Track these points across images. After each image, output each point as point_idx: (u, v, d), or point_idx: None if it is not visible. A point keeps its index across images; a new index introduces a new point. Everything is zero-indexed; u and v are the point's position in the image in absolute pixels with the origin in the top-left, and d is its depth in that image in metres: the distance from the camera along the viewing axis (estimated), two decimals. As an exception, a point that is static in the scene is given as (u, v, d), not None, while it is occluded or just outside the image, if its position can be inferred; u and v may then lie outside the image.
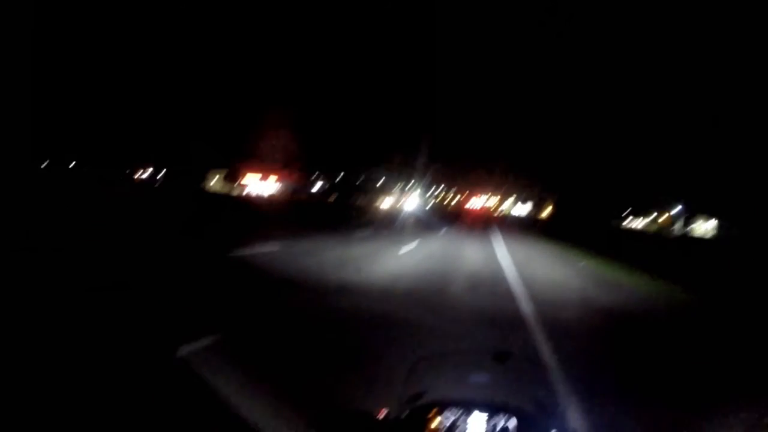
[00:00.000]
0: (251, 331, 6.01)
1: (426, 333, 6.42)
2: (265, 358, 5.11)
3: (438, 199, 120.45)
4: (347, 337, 6.11)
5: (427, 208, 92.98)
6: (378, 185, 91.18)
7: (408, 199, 73.94)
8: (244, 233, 17.35)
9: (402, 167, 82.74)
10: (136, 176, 75.94)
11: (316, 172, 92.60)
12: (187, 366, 4.45)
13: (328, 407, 2.11)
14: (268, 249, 13.39)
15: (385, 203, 79.28)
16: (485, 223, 52.32)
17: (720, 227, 69.07)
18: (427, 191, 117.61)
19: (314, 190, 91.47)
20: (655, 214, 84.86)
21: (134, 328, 5.56)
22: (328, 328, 6.46)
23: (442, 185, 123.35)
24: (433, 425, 1.65)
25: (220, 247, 12.71)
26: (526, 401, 1.86)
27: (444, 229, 32.28)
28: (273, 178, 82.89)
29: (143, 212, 23.22)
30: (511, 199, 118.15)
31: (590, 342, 6.92)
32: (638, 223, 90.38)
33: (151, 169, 77.18)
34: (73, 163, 57.40)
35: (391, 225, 31.40)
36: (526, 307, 8.74)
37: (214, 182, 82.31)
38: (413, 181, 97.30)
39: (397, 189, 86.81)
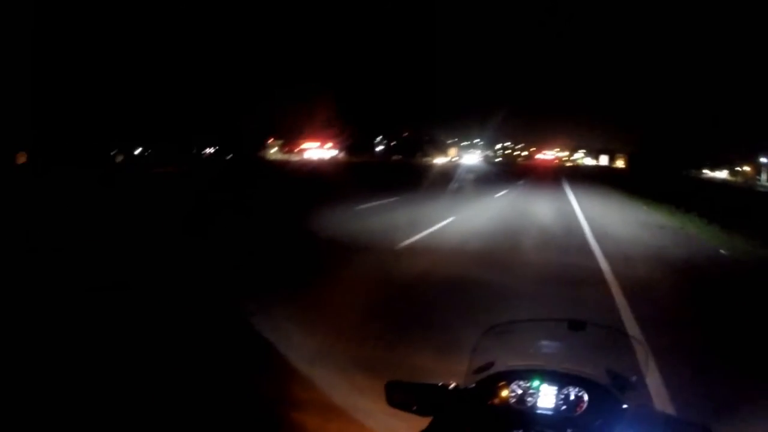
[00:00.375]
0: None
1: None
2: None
3: (510, 153, 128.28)
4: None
5: (499, 161, 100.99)
6: (440, 143, 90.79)
7: (468, 156, 72.22)
8: (351, 192, 20.34)
9: (465, 126, 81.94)
10: (204, 153, 77.14)
11: (377, 135, 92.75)
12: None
13: (398, 378, 1.71)
14: (389, 200, 18.37)
15: (447, 160, 77.86)
16: (558, 173, 55.41)
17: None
18: (495, 147, 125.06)
19: (377, 150, 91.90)
20: (739, 165, 79.59)
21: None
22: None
23: (511, 142, 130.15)
24: (502, 396, 1.64)
25: (350, 202, 16.60)
26: (600, 372, 1.73)
27: (521, 181, 36.31)
28: (330, 144, 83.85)
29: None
30: (581, 152, 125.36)
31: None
32: (719, 174, 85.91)
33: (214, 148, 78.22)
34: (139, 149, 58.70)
35: (464, 181, 32.77)
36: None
37: (273, 151, 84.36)
38: (478, 139, 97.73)
39: (461, 147, 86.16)
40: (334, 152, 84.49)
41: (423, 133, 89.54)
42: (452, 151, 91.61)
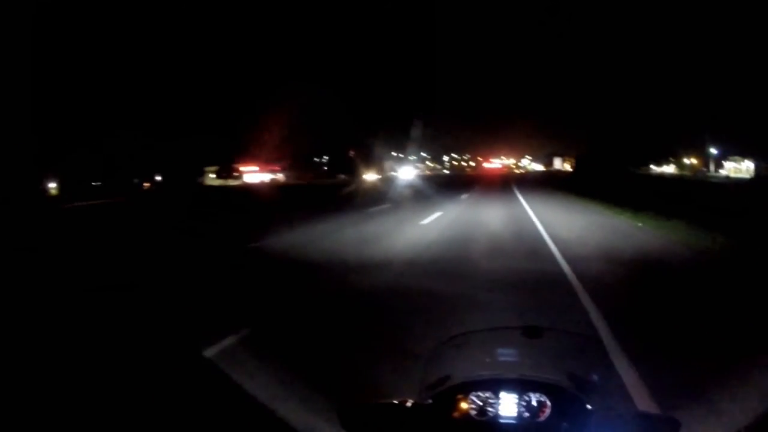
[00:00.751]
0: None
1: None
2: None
3: (457, 164, 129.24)
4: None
5: (448, 172, 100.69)
6: (381, 159, 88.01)
7: (404, 170, 67.11)
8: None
9: (406, 139, 79.26)
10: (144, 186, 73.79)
11: (318, 155, 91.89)
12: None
13: (355, 399, 1.68)
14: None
15: (377, 177, 73.62)
16: (506, 180, 55.42)
17: (757, 168, 62.68)
18: (443, 159, 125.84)
19: (317, 171, 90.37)
20: (686, 158, 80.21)
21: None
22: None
23: (455, 153, 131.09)
24: (462, 408, 1.61)
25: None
26: (561, 376, 1.70)
27: (465, 195, 30.23)
28: (271, 166, 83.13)
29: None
30: (528, 158, 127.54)
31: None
32: (666, 169, 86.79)
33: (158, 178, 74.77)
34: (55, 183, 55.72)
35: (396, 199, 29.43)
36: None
37: (210, 178, 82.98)
38: (418, 152, 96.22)
39: (398, 160, 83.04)
40: (274, 175, 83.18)
41: (363, 150, 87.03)
42: (387, 166, 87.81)
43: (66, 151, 44.95)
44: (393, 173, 73.42)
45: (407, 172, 61.46)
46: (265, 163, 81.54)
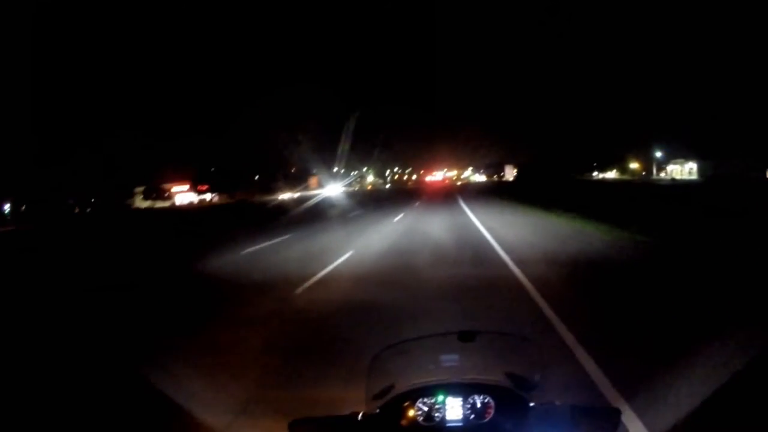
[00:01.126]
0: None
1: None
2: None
3: (397, 177, 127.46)
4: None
5: (388, 187, 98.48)
6: (316, 176, 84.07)
7: (331, 187, 61.43)
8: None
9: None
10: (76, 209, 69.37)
11: (250, 172, 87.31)
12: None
13: (305, 414, 1.63)
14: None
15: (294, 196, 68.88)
16: (450, 192, 53.72)
17: (701, 169, 62.70)
18: (386, 173, 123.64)
19: (248, 189, 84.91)
20: (628, 163, 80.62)
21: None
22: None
23: (398, 166, 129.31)
24: (409, 416, 1.64)
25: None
26: (501, 376, 1.76)
27: (398, 217, 23.31)
28: (201, 186, 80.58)
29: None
30: (470, 169, 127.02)
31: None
32: (608, 174, 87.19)
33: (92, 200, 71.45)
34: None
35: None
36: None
37: (139, 200, 78.38)
38: (359, 166, 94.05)
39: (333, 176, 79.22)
40: (205, 195, 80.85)
41: (289, 167, 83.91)
42: (313, 182, 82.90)
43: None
44: (320, 191, 67.02)
45: (333, 189, 56.42)
46: (195, 182, 78.74)
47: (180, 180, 78.16)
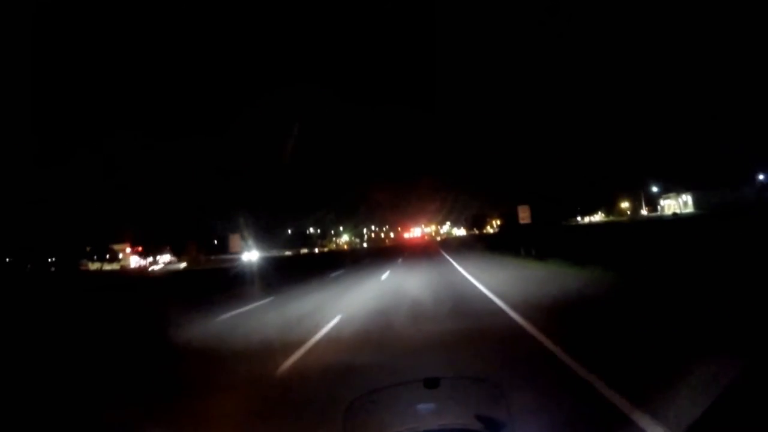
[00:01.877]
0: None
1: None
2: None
3: (374, 236, 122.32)
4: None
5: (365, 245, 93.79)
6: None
7: (249, 253, 51.30)
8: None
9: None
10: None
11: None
12: None
13: None
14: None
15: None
16: (430, 247, 54.44)
17: (697, 201, 58.42)
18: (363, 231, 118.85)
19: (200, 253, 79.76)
20: (619, 202, 77.05)
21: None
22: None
23: (374, 224, 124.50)
24: None
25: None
26: (470, 419, 1.85)
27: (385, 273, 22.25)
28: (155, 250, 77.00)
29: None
30: (447, 224, 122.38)
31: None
32: (595, 217, 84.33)
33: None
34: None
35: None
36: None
37: (90, 262, 74.11)
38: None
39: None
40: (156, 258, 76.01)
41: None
42: (234, 243, 76.10)
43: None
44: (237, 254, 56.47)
45: (250, 255, 46.94)
46: (147, 244, 74.42)
47: (130, 243, 73.30)
